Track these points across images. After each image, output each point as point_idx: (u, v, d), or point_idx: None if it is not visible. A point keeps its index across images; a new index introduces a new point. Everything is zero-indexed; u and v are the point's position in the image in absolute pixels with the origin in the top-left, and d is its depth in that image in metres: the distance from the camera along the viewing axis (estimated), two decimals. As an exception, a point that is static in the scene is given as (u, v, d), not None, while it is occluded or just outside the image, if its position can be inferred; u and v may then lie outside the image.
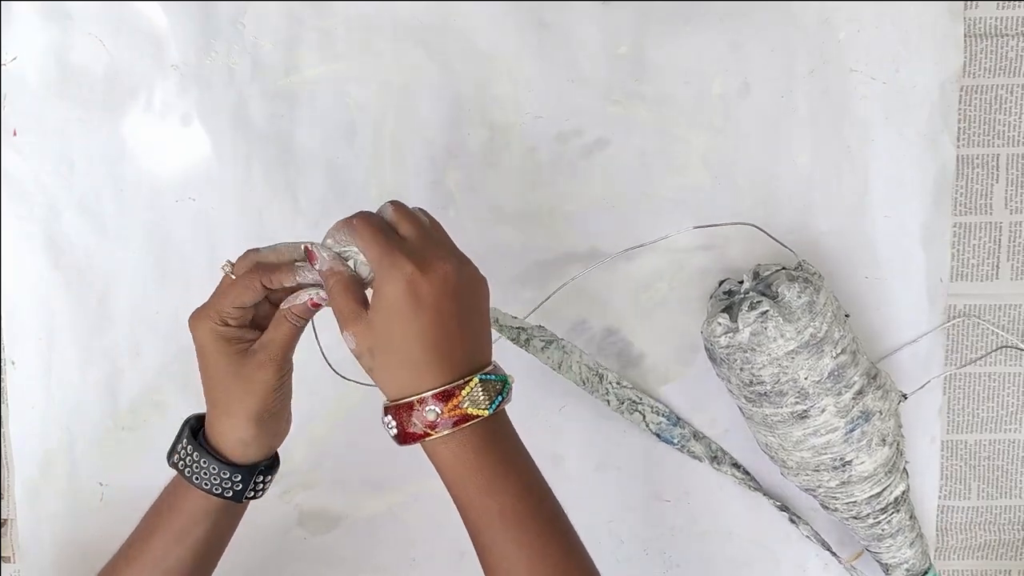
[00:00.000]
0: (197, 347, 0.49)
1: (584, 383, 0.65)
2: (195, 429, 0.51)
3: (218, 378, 0.49)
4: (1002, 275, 0.66)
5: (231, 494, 0.50)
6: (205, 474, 0.49)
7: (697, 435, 0.67)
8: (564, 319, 0.66)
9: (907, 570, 0.64)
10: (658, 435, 0.66)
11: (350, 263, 0.47)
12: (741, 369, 0.58)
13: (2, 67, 0.64)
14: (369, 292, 0.47)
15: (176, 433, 0.52)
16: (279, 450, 0.53)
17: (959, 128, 0.64)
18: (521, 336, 0.63)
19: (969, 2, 0.63)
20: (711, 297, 0.62)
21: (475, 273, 0.48)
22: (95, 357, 0.66)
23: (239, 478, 0.50)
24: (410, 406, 0.44)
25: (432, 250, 0.46)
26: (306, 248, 0.48)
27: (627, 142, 0.65)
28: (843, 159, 0.65)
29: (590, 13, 0.63)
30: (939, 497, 0.68)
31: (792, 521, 0.66)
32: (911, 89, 0.64)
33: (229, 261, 0.50)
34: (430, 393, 0.44)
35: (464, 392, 0.44)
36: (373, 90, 0.64)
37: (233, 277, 0.49)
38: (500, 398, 0.45)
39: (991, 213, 0.66)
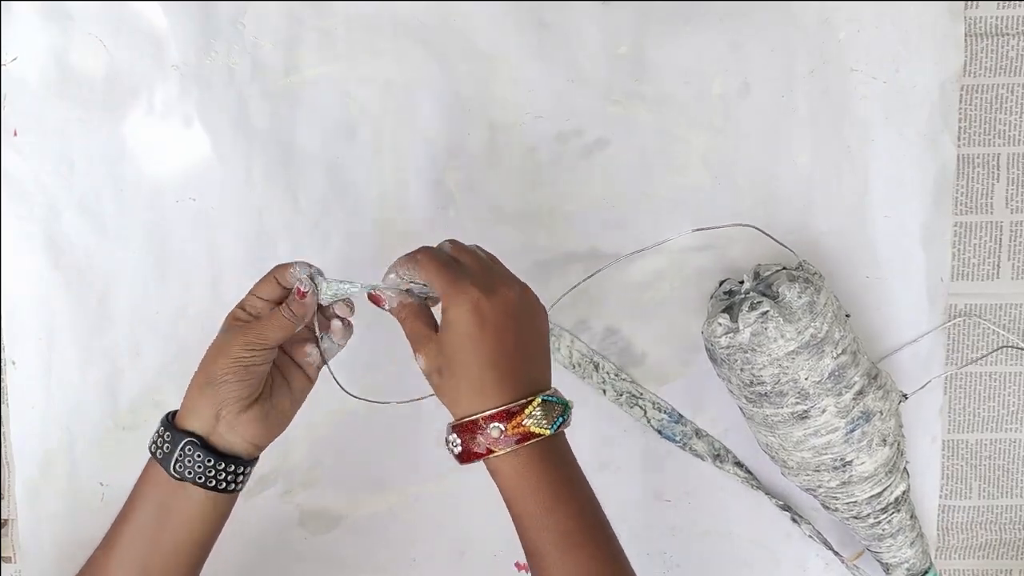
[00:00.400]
0: None
1: (575, 368, 0.65)
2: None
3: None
4: (1003, 274, 0.66)
5: (161, 456, 0.50)
6: (154, 435, 0.51)
7: (699, 433, 0.67)
8: (565, 319, 0.66)
9: (907, 570, 0.64)
10: (660, 432, 0.66)
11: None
12: (741, 369, 0.58)
13: (2, 67, 0.64)
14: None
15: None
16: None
17: (960, 127, 0.64)
18: None
19: (969, 1, 0.63)
20: (711, 297, 0.62)
21: (535, 299, 0.50)
22: (95, 357, 0.66)
23: (169, 437, 0.50)
24: (475, 424, 0.46)
25: (495, 278, 0.49)
26: (371, 295, 0.51)
27: (627, 142, 0.65)
28: (843, 159, 0.65)
29: (590, 13, 0.63)
30: (940, 496, 0.68)
31: (794, 520, 0.66)
32: (911, 89, 0.64)
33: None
34: (494, 411, 0.46)
35: (527, 411, 0.46)
36: (373, 90, 0.64)
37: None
38: (561, 419, 0.48)
39: (992, 212, 0.66)
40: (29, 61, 0.64)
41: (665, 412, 0.66)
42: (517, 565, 0.68)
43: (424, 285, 0.50)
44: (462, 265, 0.49)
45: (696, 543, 0.68)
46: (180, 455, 0.49)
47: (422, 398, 0.56)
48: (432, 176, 0.65)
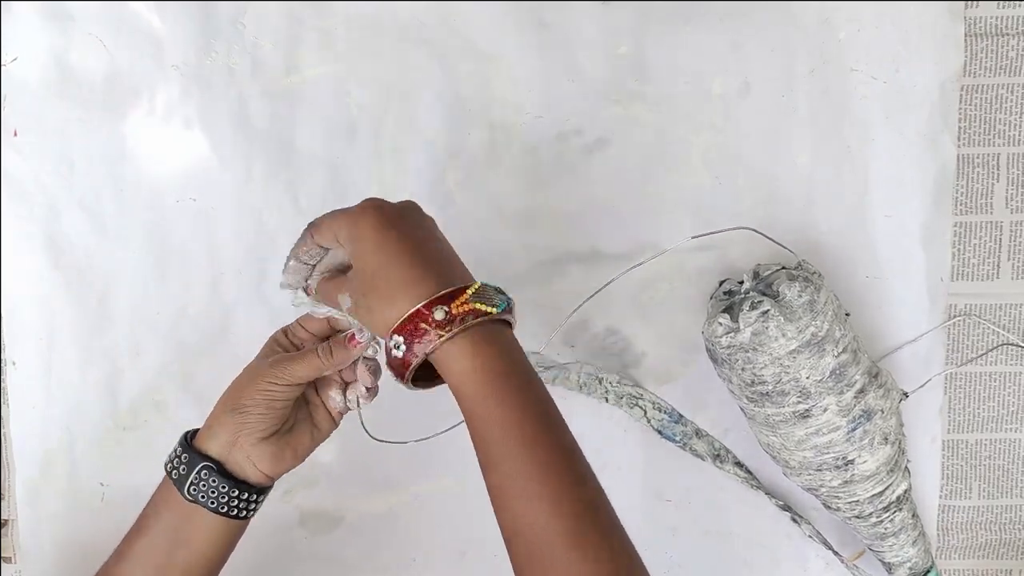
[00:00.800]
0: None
1: (582, 387, 0.66)
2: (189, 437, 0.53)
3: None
4: (1003, 274, 0.66)
5: (176, 476, 0.50)
6: (171, 454, 0.51)
7: (699, 433, 0.67)
8: (565, 319, 0.66)
9: (910, 569, 0.64)
10: (660, 432, 0.66)
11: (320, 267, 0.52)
12: (743, 369, 0.58)
13: (2, 67, 0.64)
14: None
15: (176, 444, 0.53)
16: None
17: (959, 128, 0.64)
18: None
19: (969, 1, 0.63)
20: (711, 297, 0.62)
21: (404, 204, 0.49)
22: (95, 357, 0.66)
23: (187, 459, 0.50)
24: (419, 314, 0.43)
25: (375, 199, 0.48)
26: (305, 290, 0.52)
27: (627, 142, 0.65)
28: (843, 159, 0.65)
29: (590, 13, 0.63)
30: (940, 497, 0.68)
31: (794, 520, 0.66)
32: (911, 89, 0.64)
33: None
34: (435, 296, 0.44)
35: (468, 291, 0.44)
36: (373, 90, 0.64)
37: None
38: (504, 305, 0.45)
39: (992, 212, 0.66)
40: (29, 61, 0.64)
41: (665, 412, 0.66)
42: (517, 565, 0.68)
43: (324, 250, 0.50)
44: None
45: (696, 543, 0.68)
46: (195, 479, 0.50)
47: (441, 433, 0.56)
48: (432, 176, 0.65)
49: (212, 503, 0.50)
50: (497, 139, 0.65)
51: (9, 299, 0.66)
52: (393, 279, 0.45)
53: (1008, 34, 0.63)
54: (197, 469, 0.49)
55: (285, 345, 0.52)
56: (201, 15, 0.63)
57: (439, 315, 0.43)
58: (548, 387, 0.61)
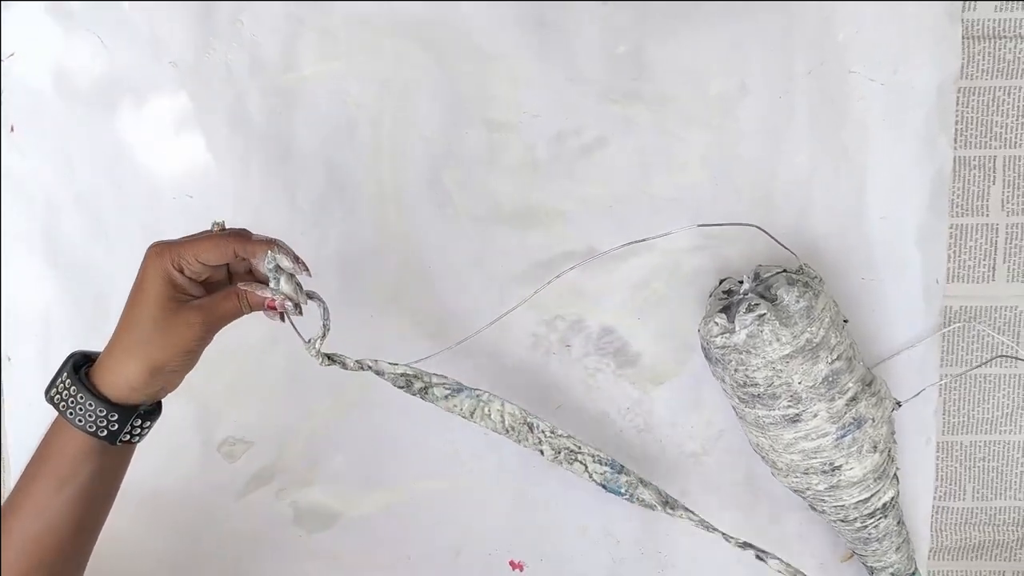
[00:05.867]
0: (140, 278, 0.50)
1: (508, 431, 0.59)
2: (79, 365, 0.51)
3: (142, 316, 0.49)
4: (998, 277, 0.66)
5: (105, 434, 0.49)
6: (82, 411, 0.49)
7: (644, 482, 0.61)
8: (562, 318, 0.66)
9: (892, 574, 0.64)
10: (604, 486, 0.61)
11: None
12: (735, 370, 0.58)
13: (1, 64, 0.63)
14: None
15: (59, 367, 0.51)
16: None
17: (956, 130, 0.64)
18: (414, 384, 0.57)
19: (967, 3, 0.63)
20: (711, 295, 0.62)
21: None
22: (93, 354, 0.66)
23: (116, 417, 0.49)
24: None
25: None
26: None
27: (626, 142, 0.65)
28: (841, 160, 0.65)
29: (590, 13, 0.63)
30: (934, 498, 0.68)
31: (759, 557, 0.64)
32: (909, 90, 0.64)
33: (219, 222, 0.52)
34: None
35: None
36: (372, 89, 0.64)
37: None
38: None
39: (988, 215, 0.66)
40: (28, 58, 0.63)
41: (606, 464, 0.61)
42: (511, 564, 0.68)
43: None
44: None
45: (691, 543, 0.68)
46: (131, 428, 0.50)
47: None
48: (430, 175, 0.65)
49: (138, 439, 0.51)
50: (495, 138, 0.65)
51: (7, 296, 0.66)
52: None
53: (1005, 37, 0.63)
54: (131, 423, 0.50)
55: (184, 284, 0.50)
56: (200, 13, 0.63)
57: None
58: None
